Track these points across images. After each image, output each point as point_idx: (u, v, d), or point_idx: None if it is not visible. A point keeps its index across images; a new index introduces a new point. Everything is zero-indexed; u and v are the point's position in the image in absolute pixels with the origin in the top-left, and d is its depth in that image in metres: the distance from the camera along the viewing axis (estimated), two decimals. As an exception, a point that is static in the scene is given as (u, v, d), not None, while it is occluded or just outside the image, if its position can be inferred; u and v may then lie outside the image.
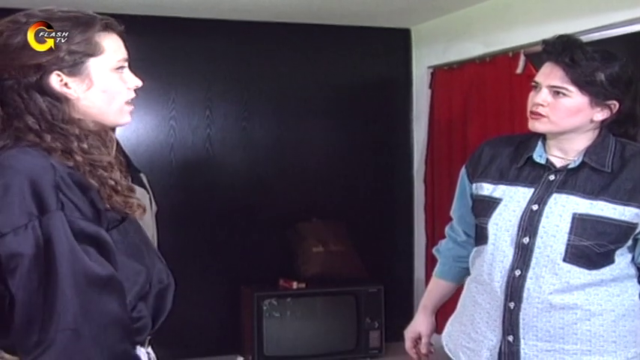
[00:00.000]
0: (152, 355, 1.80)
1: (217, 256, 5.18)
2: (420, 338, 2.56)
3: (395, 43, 5.53)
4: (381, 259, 5.40)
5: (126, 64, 1.71)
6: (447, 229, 2.57)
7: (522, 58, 4.27)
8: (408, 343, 2.58)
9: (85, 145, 1.61)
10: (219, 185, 5.23)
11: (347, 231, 5.30)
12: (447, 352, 2.39)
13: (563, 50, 2.12)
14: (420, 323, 2.57)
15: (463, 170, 2.41)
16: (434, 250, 2.62)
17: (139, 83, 1.73)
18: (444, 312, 2.59)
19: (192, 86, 5.15)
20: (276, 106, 5.34)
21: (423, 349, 2.55)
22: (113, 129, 1.80)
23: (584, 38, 3.96)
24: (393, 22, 5.35)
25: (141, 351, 1.72)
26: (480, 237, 2.28)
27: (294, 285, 5.00)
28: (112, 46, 1.67)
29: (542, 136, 2.24)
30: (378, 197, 5.49)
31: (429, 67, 5.29)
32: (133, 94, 1.73)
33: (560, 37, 2.17)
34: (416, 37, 5.50)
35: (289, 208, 5.29)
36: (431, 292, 2.58)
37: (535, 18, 4.22)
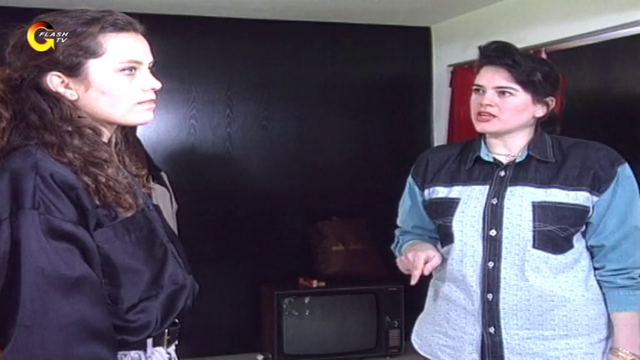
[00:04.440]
0: (173, 355, 1.80)
1: (238, 255, 5.20)
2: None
3: (415, 42, 5.53)
4: (401, 257, 5.38)
5: (139, 65, 1.67)
6: (398, 233, 2.57)
7: (543, 57, 4.25)
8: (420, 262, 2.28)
9: (76, 142, 1.62)
10: (240, 184, 5.24)
11: (367, 230, 5.29)
12: (423, 353, 2.42)
13: (504, 53, 2.25)
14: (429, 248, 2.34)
15: (411, 181, 2.50)
16: (397, 252, 2.53)
17: (155, 85, 1.69)
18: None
19: (212, 85, 5.17)
20: (296, 104, 5.35)
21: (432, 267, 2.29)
22: (133, 128, 1.80)
23: (607, 36, 3.97)
24: (414, 20, 5.34)
25: (158, 351, 1.73)
26: (445, 237, 2.34)
27: (314, 283, 5.01)
28: (118, 47, 1.63)
29: (484, 137, 2.34)
30: (398, 196, 5.45)
31: (450, 66, 5.28)
32: (149, 96, 1.69)
33: (496, 42, 2.29)
34: (436, 36, 5.50)
35: (309, 207, 5.30)
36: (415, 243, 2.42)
37: (556, 16, 4.20)
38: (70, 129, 1.63)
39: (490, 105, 2.24)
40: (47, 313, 1.49)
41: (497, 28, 4.69)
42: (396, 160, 5.46)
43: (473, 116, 2.31)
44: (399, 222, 2.61)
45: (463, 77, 5.11)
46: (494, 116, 2.24)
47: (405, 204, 2.55)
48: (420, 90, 5.55)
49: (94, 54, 1.62)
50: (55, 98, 1.64)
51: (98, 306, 1.56)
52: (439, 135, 5.41)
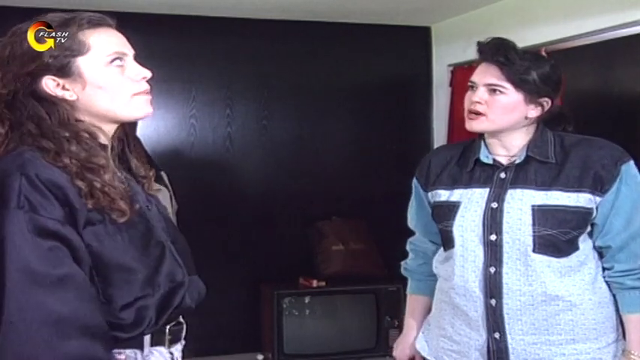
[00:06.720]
0: (176, 355, 1.80)
1: (237, 254, 5.20)
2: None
3: (415, 41, 5.52)
4: (402, 257, 5.33)
5: (124, 56, 1.69)
6: (408, 246, 2.62)
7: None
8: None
9: (73, 148, 1.62)
10: (240, 183, 5.24)
11: (367, 229, 5.29)
12: (428, 357, 2.42)
13: (498, 50, 2.19)
14: (413, 340, 2.55)
15: (415, 182, 2.47)
16: (403, 271, 2.66)
17: (146, 74, 1.71)
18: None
19: (212, 85, 5.17)
20: (296, 104, 5.35)
21: None
22: (133, 127, 1.80)
23: (607, 35, 3.96)
24: (414, 20, 5.34)
25: (159, 350, 1.73)
26: (447, 241, 2.32)
27: (314, 283, 5.00)
28: (100, 42, 1.66)
29: (483, 138, 2.31)
30: (398, 195, 5.44)
31: (450, 65, 5.28)
32: (143, 86, 1.72)
33: (495, 39, 2.24)
34: (436, 35, 5.50)
35: (309, 207, 5.29)
36: (415, 311, 2.58)
37: (556, 15, 4.20)
38: (67, 134, 1.63)
39: (479, 103, 2.20)
40: (32, 310, 1.49)
41: (497, 27, 4.68)
42: (396, 159, 5.48)
43: (465, 113, 2.28)
44: (410, 225, 2.59)
45: (463, 77, 5.10)
46: (482, 114, 2.20)
47: (412, 207, 2.52)
48: (420, 90, 5.55)
49: (80, 52, 1.64)
50: (53, 103, 1.65)
51: (87, 303, 1.56)
52: (439, 135, 5.41)
